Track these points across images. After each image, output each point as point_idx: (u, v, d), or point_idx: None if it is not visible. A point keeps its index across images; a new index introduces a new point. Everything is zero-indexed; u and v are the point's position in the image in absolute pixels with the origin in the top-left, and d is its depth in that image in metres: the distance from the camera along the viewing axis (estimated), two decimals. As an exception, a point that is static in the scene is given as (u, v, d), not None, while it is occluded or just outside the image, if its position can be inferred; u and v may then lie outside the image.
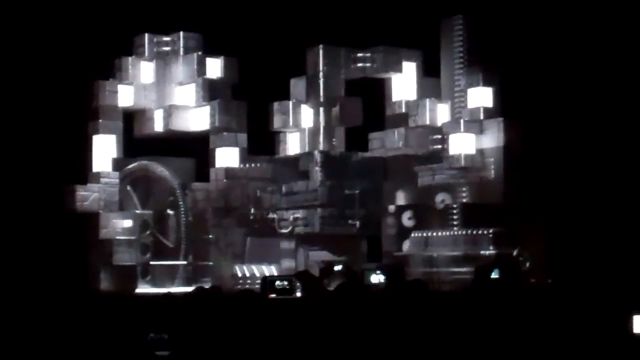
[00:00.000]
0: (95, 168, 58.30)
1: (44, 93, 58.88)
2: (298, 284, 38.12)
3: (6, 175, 57.59)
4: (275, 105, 60.01)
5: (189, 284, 56.91)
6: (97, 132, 58.41)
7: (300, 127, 59.96)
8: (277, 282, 38.11)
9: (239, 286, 55.72)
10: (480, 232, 53.82)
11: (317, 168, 57.78)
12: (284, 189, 58.86)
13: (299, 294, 38.13)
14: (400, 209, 57.81)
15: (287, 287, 38.01)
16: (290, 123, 59.57)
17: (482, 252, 53.33)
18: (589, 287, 42.92)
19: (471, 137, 56.55)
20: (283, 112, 59.61)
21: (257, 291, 43.93)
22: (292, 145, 61.03)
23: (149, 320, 33.40)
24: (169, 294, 52.65)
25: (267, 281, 38.68)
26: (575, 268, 50.23)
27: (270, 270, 57.20)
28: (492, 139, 56.29)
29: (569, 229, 53.93)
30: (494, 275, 45.17)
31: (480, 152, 56.35)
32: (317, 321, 31.39)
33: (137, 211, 60.13)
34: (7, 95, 58.51)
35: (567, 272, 49.29)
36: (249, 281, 56.87)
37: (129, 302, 42.80)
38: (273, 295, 37.94)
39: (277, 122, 60.03)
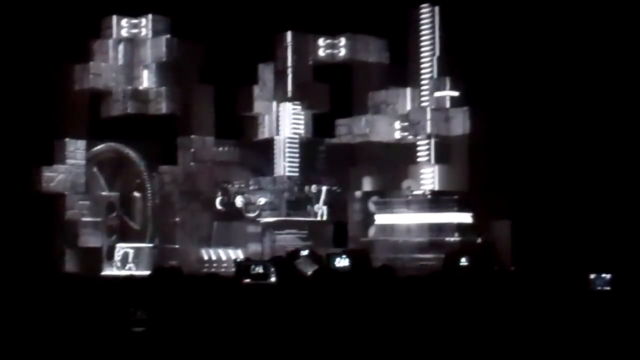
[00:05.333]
0: (62, 149, 58.16)
1: (11, 75, 58.50)
2: (273, 269, 38.71)
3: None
4: (256, 90, 60.41)
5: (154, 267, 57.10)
6: (64, 113, 58.31)
7: (270, 112, 60.44)
8: (252, 267, 38.72)
9: (205, 269, 56.03)
10: (445, 219, 54.48)
11: (285, 157, 58.33)
12: (251, 183, 59.53)
13: (273, 279, 38.72)
14: (367, 195, 58.08)
15: (262, 272, 38.64)
16: (273, 109, 59.94)
17: (446, 239, 53.90)
18: (552, 262, 44.68)
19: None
20: (265, 97, 59.92)
21: (223, 275, 44.40)
22: (262, 129, 61.29)
23: (114, 300, 33.72)
24: (131, 276, 53.00)
25: (242, 266, 39.22)
26: (539, 250, 51.46)
27: (236, 254, 57.38)
28: (457, 127, 56.72)
29: (533, 217, 54.86)
30: (463, 262, 46.24)
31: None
32: (290, 305, 31.88)
33: (104, 193, 60.11)
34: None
35: (531, 257, 50.41)
36: (215, 264, 57.13)
37: (94, 283, 43.04)
38: (248, 280, 38.55)
39: (257, 107, 60.41)
